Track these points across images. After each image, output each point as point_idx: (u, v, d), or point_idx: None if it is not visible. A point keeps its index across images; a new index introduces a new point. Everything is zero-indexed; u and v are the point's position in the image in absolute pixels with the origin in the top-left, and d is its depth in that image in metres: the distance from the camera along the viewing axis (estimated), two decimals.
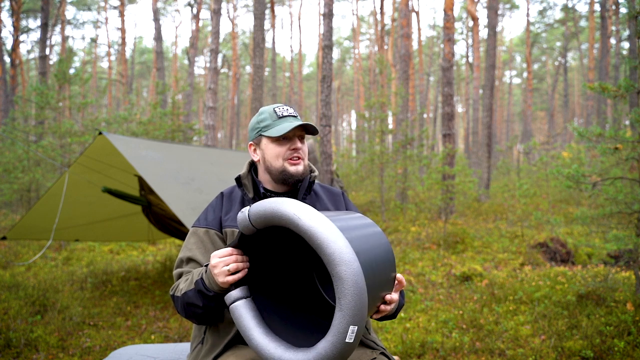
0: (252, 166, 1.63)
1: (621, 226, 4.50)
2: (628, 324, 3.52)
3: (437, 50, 32.54)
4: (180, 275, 1.51)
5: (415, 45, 25.70)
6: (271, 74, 23.18)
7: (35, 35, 33.20)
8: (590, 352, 3.18)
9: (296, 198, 1.56)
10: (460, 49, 37.28)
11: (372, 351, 1.45)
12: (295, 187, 1.56)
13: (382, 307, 1.27)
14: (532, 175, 14.99)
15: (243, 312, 1.22)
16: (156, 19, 20.31)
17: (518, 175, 15.31)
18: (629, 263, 4.78)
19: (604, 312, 3.89)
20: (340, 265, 1.04)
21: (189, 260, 1.52)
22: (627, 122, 14.37)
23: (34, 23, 26.96)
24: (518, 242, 7.62)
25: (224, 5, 25.78)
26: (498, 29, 21.89)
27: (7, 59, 18.97)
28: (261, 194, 1.55)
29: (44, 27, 14.33)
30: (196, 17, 22.60)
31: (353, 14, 32.74)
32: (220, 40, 26.97)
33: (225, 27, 60.71)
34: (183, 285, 1.42)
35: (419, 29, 24.45)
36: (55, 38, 26.69)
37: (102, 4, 30.17)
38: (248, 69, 34.92)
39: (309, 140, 8.51)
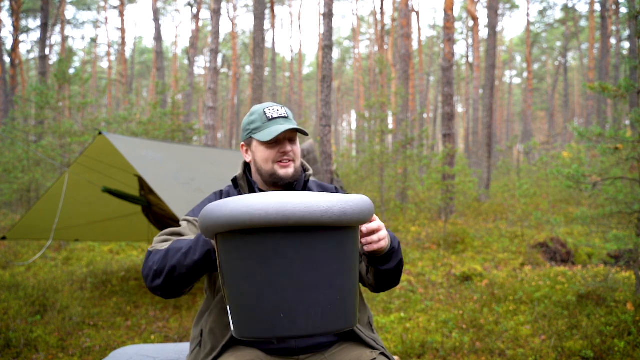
0: (247, 166, 1.63)
1: (621, 226, 4.50)
2: (628, 324, 3.52)
3: (437, 50, 32.56)
4: (163, 242, 1.44)
5: (415, 45, 25.71)
6: (271, 74, 23.18)
7: (35, 35, 33.22)
8: (590, 352, 3.18)
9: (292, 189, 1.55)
10: (460, 49, 37.33)
11: (372, 351, 1.45)
12: (290, 187, 1.55)
13: (367, 238, 1.29)
14: (532, 175, 14.99)
15: None
16: (156, 19, 20.31)
17: (518, 175, 15.32)
18: (629, 263, 4.78)
19: (604, 312, 3.89)
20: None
21: (176, 234, 1.47)
22: (627, 122, 14.37)
23: (33, 23, 27.00)
24: (518, 242, 7.61)
25: (224, 5, 25.79)
26: (498, 29, 21.89)
27: (7, 59, 18.98)
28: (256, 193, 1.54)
29: (44, 27, 14.33)
30: (196, 17, 22.61)
31: (353, 14, 32.81)
32: (220, 40, 26.97)
33: (225, 27, 60.71)
34: (172, 244, 1.35)
35: (419, 29, 24.48)
36: (55, 38, 26.72)
37: (102, 4, 30.19)
38: (248, 69, 34.93)
39: (309, 140, 8.51)
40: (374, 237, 1.30)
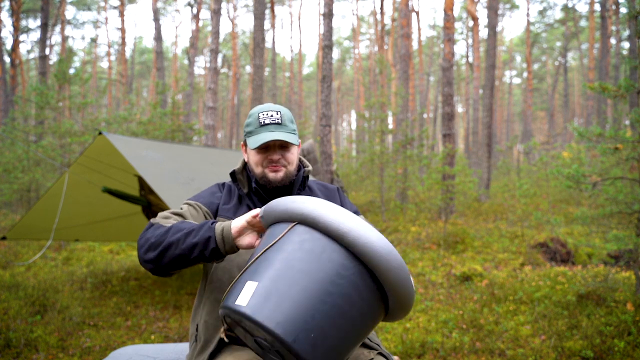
0: (246, 163, 1.64)
1: (621, 226, 4.50)
2: (628, 324, 3.52)
3: (437, 50, 32.56)
4: (165, 218, 1.42)
5: (415, 45, 25.71)
6: (271, 74, 23.18)
7: (35, 35, 33.25)
8: (590, 352, 3.18)
9: (291, 193, 1.56)
10: (460, 49, 37.33)
11: (370, 351, 1.45)
12: (281, 189, 1.55)
13: None
14: (532, 175, 14.99)
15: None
16: (156, 19, 20.31)
17: (518, 175, 15.31)
18: (629, 263, 4.78)
19: (604, 312, 3.89)
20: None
21: (179, 214, 1.46)
22: (627, 122, 14.37)
23: (34, 23, 27.00)
24: (518, 242, 7.61)
25: (224, 5, 25.79)
26: (498, 29, 21.90)
27: (7, 59, 18.98)
28: (253, 188, 1.55)
29: (44, 27, 14.33)
30: (196, 17, 22.61)
31: (353, 14, 32.80)
32: (220, 40, 26.97)
33: (225, 27, 60.77)
34: (175, 223, 1.34)
35: (419, 29, 24.46)
36: (55, 38, 26.71)
37: (102, 4, 30.19)
38: (248, 69, 34.93)
39: (309, 140, 8.50)
40: None
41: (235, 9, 27.95)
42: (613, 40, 21.40)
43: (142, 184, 4.69)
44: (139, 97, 33.40)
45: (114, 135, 4.41)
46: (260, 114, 1.51)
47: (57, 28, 25.40)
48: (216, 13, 11.20)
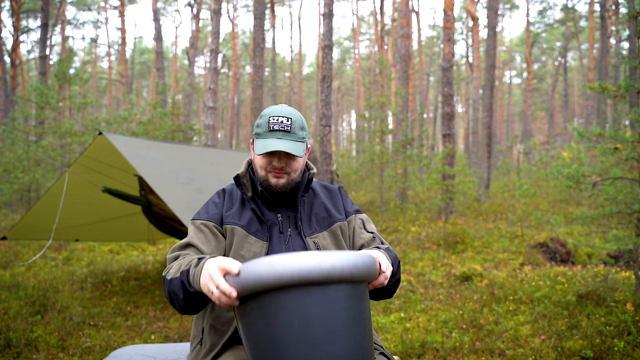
0: (250, 165, 1.64)
1: (621, 226, 4.51)
2: (628, 324, 3.52)
3: (437, 50, 32.56)
4: (175, 259, 1.46)
5: (415, 45, 25.71)
6: (271, 74, 23.19)
7: (35, 35, 33.24)
8: (590, 352, 3.18)
9: (296, 196, 1.56)
10: (460, 49, 37.30)
11: None
12: (283, 194, 1.55)
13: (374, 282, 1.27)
14: (532, 175, 14.98)
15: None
16: (156, 19, 20.32)
17: (518, 175, 15.30)
18: (629, 263, 4.78)
19: (603, 312, 3.89)
20: None
21: (188, 245, 1.48)
22: (627, 122, 14.37)
23: (34, 23, 26.99)
24: (518, 242, 7.62)
25: (224, 5, 25.78)
26: (498, 29, 21.90)
27: (7, 59, 18.98)
28: (259, 191, 1.55)
29: (44, 27, 14.33)
30: (196, 17, 22.61)
31: (353, 14, 32.76)
32: (220, 40, 26.97)
33: (225, 27, 60.66)
34: (174, 270, 1.36)
35: (419, 29, 24.47)
36: (56, 38, 26.71)
37: (102, 4, 30.19)
38: (248, 69, 34.94)
39: (309, 140, 8.51)
40: (381, 279, 1.28)
41: (235, 9, 27.96)
42: (613, 41, 21.40)
43: (142, 184, 4.69)
44: (139, 97, 33.39)
45: (114, 135, 4.41)
46: (271, 118, 1.49)
47: (57, 28, 25.40)
48: (216, 13, 11.21)
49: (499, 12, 24.41)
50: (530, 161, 20.19)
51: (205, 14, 31.22)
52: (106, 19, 30.94)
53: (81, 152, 4.96)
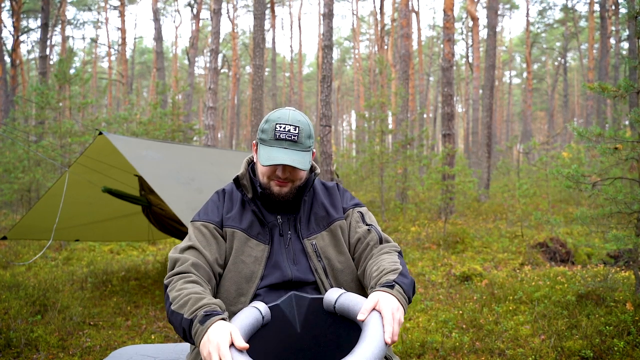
0: (250, 165, 1.62)
1: (621, 226, 4.50)
2: (628, 323, 3.53)
3: (437, 50, 32.56)
4: (175, 262, 1.43)
5: (415, 45, 25.71)
6: (271, 74, 23.20)
7: (36, 35, 33.20)
8: (590, 352, 3.18)
9: (297, 199, 1.56)
10: (460, 49, 37.26)
11: None
12: (284, 202, 1.53)
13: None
14: (532, 175, 14.98)
15: None
16: (156, 19, 20.32)
17: (518, 175, 15.30)
18: (629, 263, 4.79)
19: (603, 312, 3.89)
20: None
21: (189, 247, 1.47)
22: (627, 122, 14.37)
23: (34, 23, 27.01)
24: (518, 242, 7.62)
25: (224, 5, 25.78)
26: (498, 29, 21.89)
27: (7, 59, 18.97)
28: (259, 193, 1.54)
29: (44, 27, 14.34)
30: (196, 17, 22.61)
31: (353, 14, 32.73)
32: (220, 40, 26.97)
33: (225, 27, 60.72)
34: (177, 299, 1.30)
35: (419, 29, 24.48)
36: (56, 38, 26.72)
37: (102, 4, 30.19)
38: (248, 69, 34.94)
39: None
40: (396, 328, 1.19)
41: (235, 9, 27.97)
42: (613, 41, 21.41)
43: (143, 184, 4.69)
44: (139, 97, 33.40)
45: (114, 135, 4.41)
46: (278, 126, 1.44)
47: (58, 28, 25.42)
48: (216, 13, 11.21)
49: (499, 12, 24.42)
50: (530, 161, 20.19)
51: (205, 14, 31.24)
52: (106, 19, 30.95)
53: (81, 152, 4.96)
